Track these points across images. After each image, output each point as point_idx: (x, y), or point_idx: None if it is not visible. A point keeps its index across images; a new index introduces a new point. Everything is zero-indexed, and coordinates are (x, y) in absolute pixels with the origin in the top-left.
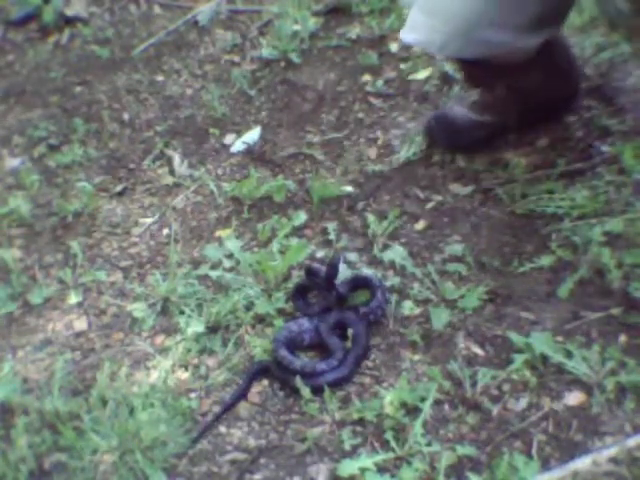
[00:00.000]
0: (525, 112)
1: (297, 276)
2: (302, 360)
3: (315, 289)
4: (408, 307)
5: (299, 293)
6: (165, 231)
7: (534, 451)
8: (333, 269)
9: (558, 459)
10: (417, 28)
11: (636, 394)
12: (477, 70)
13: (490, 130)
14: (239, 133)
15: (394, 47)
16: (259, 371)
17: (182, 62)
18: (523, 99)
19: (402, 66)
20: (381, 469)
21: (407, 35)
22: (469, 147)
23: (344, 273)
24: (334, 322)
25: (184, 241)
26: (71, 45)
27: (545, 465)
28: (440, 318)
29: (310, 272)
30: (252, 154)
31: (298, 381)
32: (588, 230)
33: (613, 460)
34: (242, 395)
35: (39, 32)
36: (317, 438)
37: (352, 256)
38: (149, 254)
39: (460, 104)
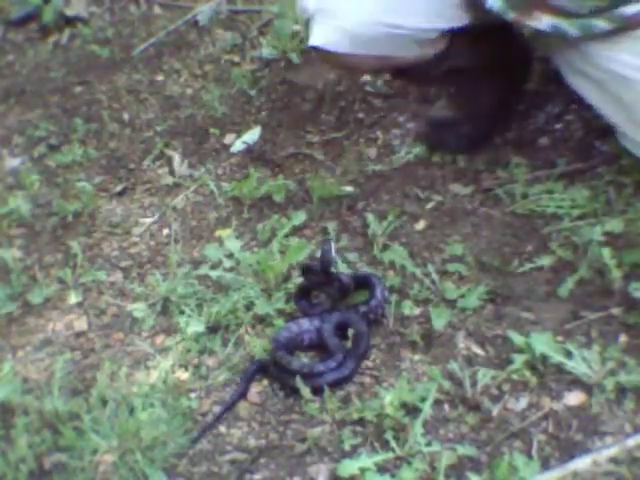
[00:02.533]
0: (489, 95)
1: (297, 276)
2: (300, 361)
3: (315, 288)
4: (408, 307)
5: (301, 294)
6: (165, 231)
7: (534, 451)
8: (327, 256)
9: (558, 459)
10: (323, 31)
11: (636, 394)
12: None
13: (475, 125)
14: (239, 133)
15: None
16: (257, 370)
17: (182, 62)
18: (474, 83)
19: None
20: (381, 469)
21: (315, 39)
22: (465, 146)
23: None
24: (337, 323)
25: (184, 241)
26: (71, 45)
27: (545, 465)
28: (440, 318)
29: (306, 270)
30: (252, 154)
31: (298, 381)
32: (588, 230)
33: (613, 460)
34: (242, 395)
35: (39, 32)
36: (317, 438)
37: (352, 256)
38: (149, 254)
39: (441, 105)
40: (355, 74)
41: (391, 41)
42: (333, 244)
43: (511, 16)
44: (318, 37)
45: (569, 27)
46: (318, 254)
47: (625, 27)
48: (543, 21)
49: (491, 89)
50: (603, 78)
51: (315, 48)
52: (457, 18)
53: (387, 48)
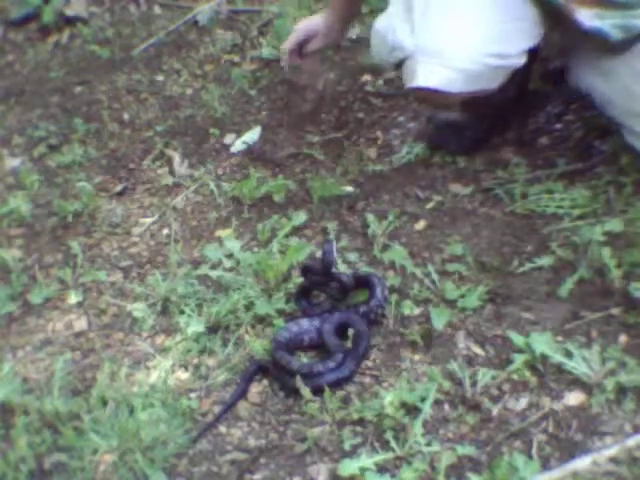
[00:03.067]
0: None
1: (297, 276)
2: (300, 361)
3: (316, 288)
4: (408, 307)
5: (302, 294)
6: (165, 231)
7: (534, 451)
8: (328, 257)
9: (558, 459)
10: (432, 72)
11: (636, 394)
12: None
13: (479, 127)
14: (239, 133)
15: None
16: (257, 371)
17: (182, 62)
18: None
19: None
20: (381, 469)
21: (423, 81)
22: (469, 148)
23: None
24: (337, 323)
25: (184, 241)
26: (71, 45)
27: (545, 465)
28: (440, 318)
29: (306, 270)
30: (252, 154)
31: (298, 381)
32: (588, 230)
33: (613, 460)
34: (241, 395)
35: (39, 32)
36: (317, 438)
37: (352, 256)
38: (149, 254)
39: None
40: (441, 108)
41: (495, 73)
42: (334, 244)
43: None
44: (427, 78)
45: (611, 28)
46: (319, 254)
47: None
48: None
49: (503, 93)
50: (617, 69)
51: (418, 89)
52: (538, 35)
53: (490, 81)
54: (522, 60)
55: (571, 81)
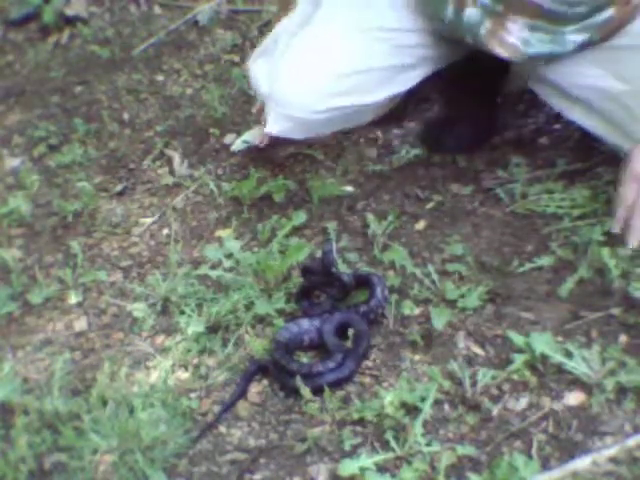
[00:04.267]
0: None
1: (297, 276)
2: (299, 361)
3: (316, 288)
4: (408, 307)
5: (303, 294)
6: (165, 231)
7: (534, 451)
8: (328, 256)
9: (558, 459)
10: (276, 120)
11: (636, 394)
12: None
13: (473, 124)
14: (239, 133)
15: None
16: (256, 371)
17: (182, 62)
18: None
19: None
20: (381, 469)
21: (271, 128)
22: (465, 146)
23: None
24: (337, 323)
25: (184, 241)
26: (71, 45)
27: (545, 465)
28: (440, 318)
29: (307, 271)
30: (252, 154)
31: (298, 381)
32: (588, 230)
33: (613, 460)
34: (241, 395)
35: (39, 32)
36: (317, 438)
37: (352, 256)
38: (149, 254)
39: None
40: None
41: (343, 118)
42: (334, 244)
43: (486, 27)
44: (272, 126)
45: (538, 42)
46: (319, 255)
47: (598, 39)
48: (515, 29)
49: (485, 88)
50: (584, 95)
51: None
52: (410, 80)
53: (340, 124)
54: (378, 104)
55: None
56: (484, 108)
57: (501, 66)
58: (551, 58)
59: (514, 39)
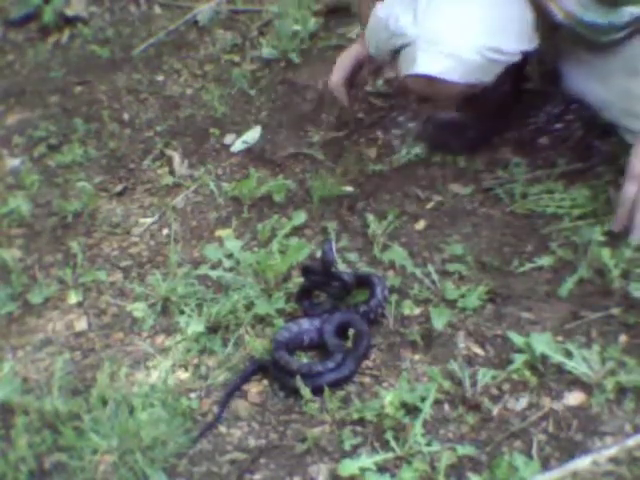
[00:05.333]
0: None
1: (297, 276)
2: (299, 361)
3: (316, 288)
4: (408, 307)
5: (303, 294)
6: (165, 231)
7: (534, 451)
8: (327, 255)
9: (558, 459)
10: (433, 59)
11: (636, 394)
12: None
13: (480, 126)
14: (239, 133)
15: None
16: (255, 370)
17: (182, 62)
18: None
19: None
20: (381, 469)
21: (423, 67)
22: (470, 148)
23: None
24: (337, 323)
25: (184, 241)
26: (71, 45)
27: (545, 465)
28: (440, 318)
29: (307, 271)
30: (252, 154)
31: (298, 381)
32: (588, 230)
33: (613, 460)
34: (235, 389)
35: (39, 32)
36: (317, 438)
37: (352, 256)
38: (149, 254)
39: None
40: (439, 107)
41: (491, 66)
42: (333, 244)
43: None
44: (427, 65)
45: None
46: (319, 254)
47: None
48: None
49: (499, 90)
50: (612, 69)
51: (416, 76)
52: (535, 39)
53: (485, 74)
54: (517, 58)
55: (565, 86)
56: (499, 118)
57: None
58: (602, 31)
59: (572, 4)
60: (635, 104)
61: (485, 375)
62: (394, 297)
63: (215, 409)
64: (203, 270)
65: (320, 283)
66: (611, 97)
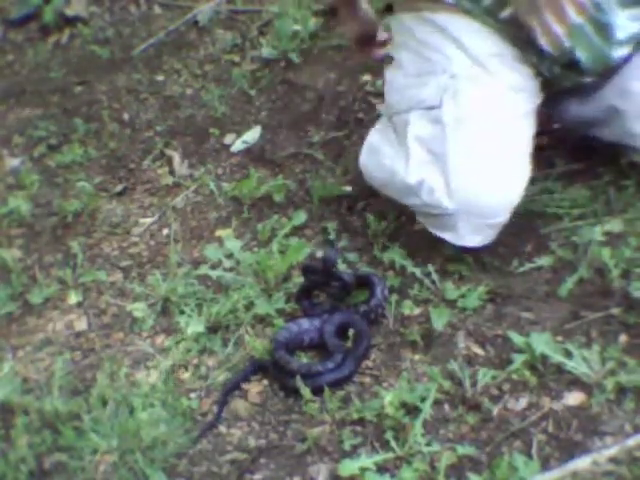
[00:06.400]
0: None
1: (297, 276)
2: (299, 361)
3: (317, 288)
4: (408, 307)
5: (303, 294)
6: (165, 231)
7: (534, 451)
8: (330, 256)
9: (558, 459)
10: (475, 232)
11: (636, 394)
12: None
13: None
14: (239, 133)
15: None
16: (254, 370)
17: (182, 62)
18: None
19: None
20: (381, 469)
21: (468, 241)
22: None
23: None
24: (337, 323)
25: (184, 241)
26: (71, 45)
27: (545, 465)
28: (440, 318)
29: (307, 270)
30: (252, 154)
31: (298, 381)
32: (588, 230)
33: (613, 460)
34: (233, 388)
35: (39, 32)
36: (317, 438)
37: (352, 256)
38: (149, 254)
39: None
40: None
41: None
42: (336, 245)
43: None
44: (470, 238)
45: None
46: (319, 254)
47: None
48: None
49: None
50: (601, 91)
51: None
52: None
53: None
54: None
55: (557, 118)
56: None
57: None
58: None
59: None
60: (631, 125)
61: (485, 375)
62: (394, 297)
63: (215, 409)
64: (203, 270)
65: (320, 283)
66: (604, 118)
